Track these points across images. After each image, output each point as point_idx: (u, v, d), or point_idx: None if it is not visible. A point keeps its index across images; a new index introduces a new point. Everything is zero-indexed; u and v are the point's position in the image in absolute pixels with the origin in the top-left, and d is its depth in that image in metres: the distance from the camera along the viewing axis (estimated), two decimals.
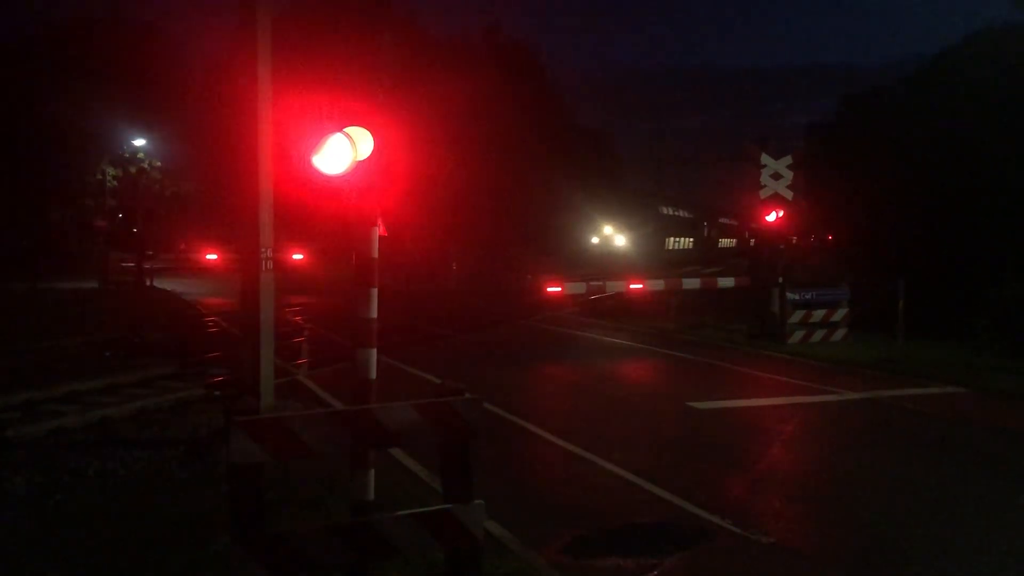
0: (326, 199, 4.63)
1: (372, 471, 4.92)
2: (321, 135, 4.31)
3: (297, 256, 39.46)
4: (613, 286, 17.95)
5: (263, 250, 9.07)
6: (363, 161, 4.49)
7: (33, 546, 5.49)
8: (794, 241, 18.24)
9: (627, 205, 44.31)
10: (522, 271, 24.29)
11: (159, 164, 38.72)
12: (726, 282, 18.09)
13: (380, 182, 4.60)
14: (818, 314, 15.74)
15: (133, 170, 37.03)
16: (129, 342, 15.45)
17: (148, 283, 31.20)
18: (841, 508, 6.45)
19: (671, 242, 57.03)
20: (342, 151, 4.34)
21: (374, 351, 4.88)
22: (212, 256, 42.74)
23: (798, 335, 15.52)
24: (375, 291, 4.82)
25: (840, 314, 15.77)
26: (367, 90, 4.61)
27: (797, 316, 15.64)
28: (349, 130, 4.37)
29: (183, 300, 26.80)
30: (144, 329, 17.36)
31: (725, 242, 69.65)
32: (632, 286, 17.75)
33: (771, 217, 16.45)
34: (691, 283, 18.20)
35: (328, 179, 4.43)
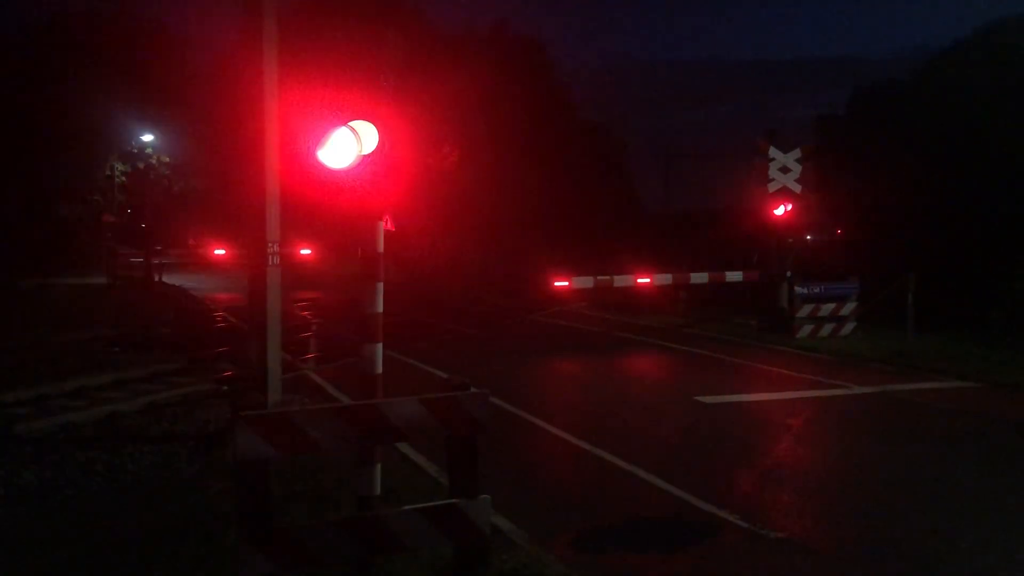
0: (332, 194, 4.64)
1: (378, 465, 4.91)
2: (326, 129, 4.29)
3: (305, 251, 39.58)
4: (621, 280, 17.89)
5: (270, 245, 9.09)
6: (368, 155, 4.48)
7: (42, 541, 5.50)
8: (804, 237, 18.19)
9: None
10: (533, 265, 24.25)
11: (167, 159, 38.81)
12: (734, 276, 18.00)
13: (385, 177, 4.59)
14: (827, 308, 15.67)
15: (141, 165, 37.15)
16: (138, 337, 15.50)
17: (157, 278, 31.35)
18: (851, 503, 6.41)
19: None
20: (347, 145, 4.33)
21: (380, 346, 4.88)
22: (220, 251, 42.91)
23: (807, 329, 15.45)
24: (380, 286, 4.81)
25: (849, 308, 15.69)
26: (372, 84, 4.60)
27: (806, 310, 15.57)
28: (354, 124, 4.37)
29: (191, 295, 26.90)
30: (152, 324, 17.43)
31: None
32: (640, 280, 17.69)
33: (779, 211, 16.36)
34: (699, 277, 18.11)
35: (333, 173, 4.42)
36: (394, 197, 4.77)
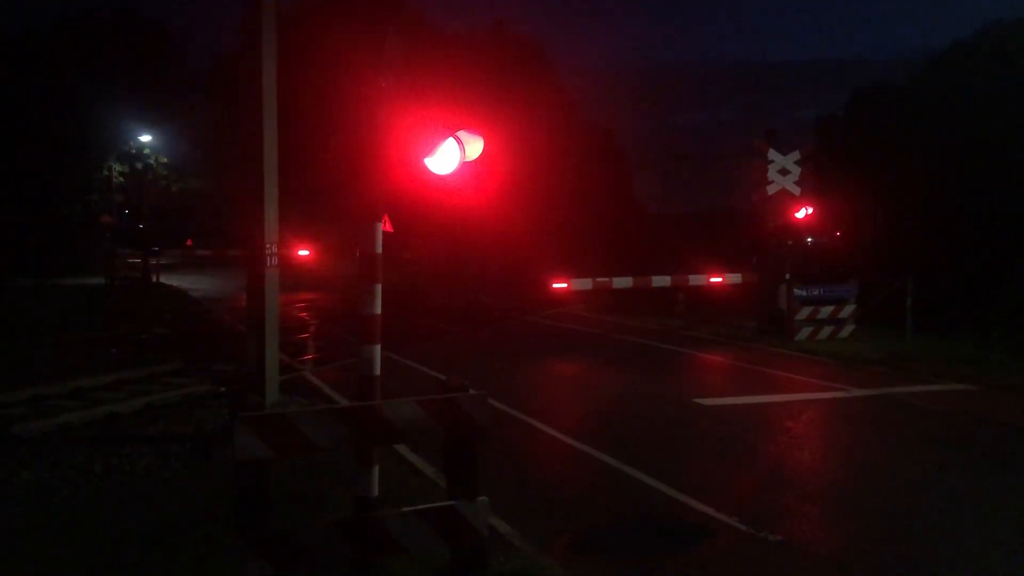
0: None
1: (377, 467, 4.90)
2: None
3: (303, 252, 39.58)
4: (620, 282, 17.89)
5: (268, 246, 9.09)
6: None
7: (39, 542, 5.48)
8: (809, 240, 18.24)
9: None
10: (532, 267, 24.24)
11: (165, 160, 38.82)
12: (733, 278, 18.02)
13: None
14: (826, 310, 15.67)
15: (140, 166, 37.15)
16: (135, 338, 15.49)
17: (154, 279, 31.33)
18: (850, 506, 6.40)
19: None
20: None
21: (378, 347, 4.87)
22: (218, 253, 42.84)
23: (806, 331, 15.44)
24: (379, 287, 4.81)
25: (848, 310, 15.69)
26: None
27: (804, 312, 15.57)
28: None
29: (189, 296, 26.87)
30: (150, 325, 17.41)
31: None
32: (639, 282, 17.70)
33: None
34: (697, 279, 18.12)
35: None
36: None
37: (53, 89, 33.46)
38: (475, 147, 4.83)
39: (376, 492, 4.92)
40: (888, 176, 21.34)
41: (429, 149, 4.71)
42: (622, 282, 17.83)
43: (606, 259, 23.82)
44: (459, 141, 4.77)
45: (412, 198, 5.26)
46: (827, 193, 20.11)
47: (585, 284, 17.47)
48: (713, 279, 17.92)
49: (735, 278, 17.88)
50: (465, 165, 4.86)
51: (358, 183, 4.70)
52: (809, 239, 21.34)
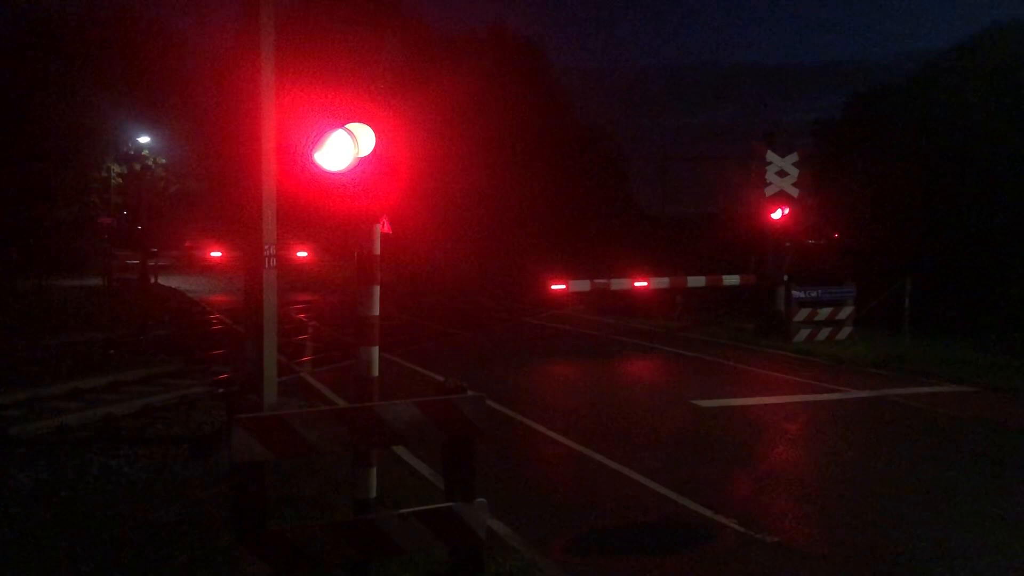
0: (328, 196, 4.63)
1: (374, 469, 4.89)
2: (323, 131, 4.28)
3: (302, 254, 39.59)
4: (618, 283, 17.88)
5: (266, 247, 9.07)
6: (365, 158, 4.47)
7: (37, 543, 5.48)
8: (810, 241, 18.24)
9: None
10: (531, 269, 24.24)
11: (163, 161, 38.79)
12: (731, 280, 18.02)
13: (382, 179, 4.57)
14: (824, 312, 15.68)
15: (138, 167, 37.08)
16: (133, 339, 15.47)
17: (152, 280, 31.31)
18: (847, 508, 6.40)
19: None
20: (343, 148, 4.33)
21: (376, 348, 4.86)
22: (216, 253, 43.00)
23: (804, 333, 15.46)
24: (377, 288, 4.80)
25: (846, 312, 15.70)
26: (369, 86, 4.59)
27: (802, 314, 15.58)
28: (350, 126, 4.35)
29: (187, 297, 26.86)
30: (148, 326, 17.40)
31: None
32: (637, 284, 17.69)
33: (776, 215, 16.37)
34: (696, 281, 18.12)
35: (330, 175, 4.41)
36: (391, 199, 4.76)
37: (51, 89, 33.40)
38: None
39: (374, 494, 4.91)
40: (886, 178, 21.37)
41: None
42: (620, 284, 17.82)
43: (604, 260, 23.84)
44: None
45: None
46: (825, 195, 20.12)
47: (583, 286, 17.46)
48: (711, 281, 17.92)
49: (733, 280, 17.88)
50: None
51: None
52: (810, 240, 21.32)
